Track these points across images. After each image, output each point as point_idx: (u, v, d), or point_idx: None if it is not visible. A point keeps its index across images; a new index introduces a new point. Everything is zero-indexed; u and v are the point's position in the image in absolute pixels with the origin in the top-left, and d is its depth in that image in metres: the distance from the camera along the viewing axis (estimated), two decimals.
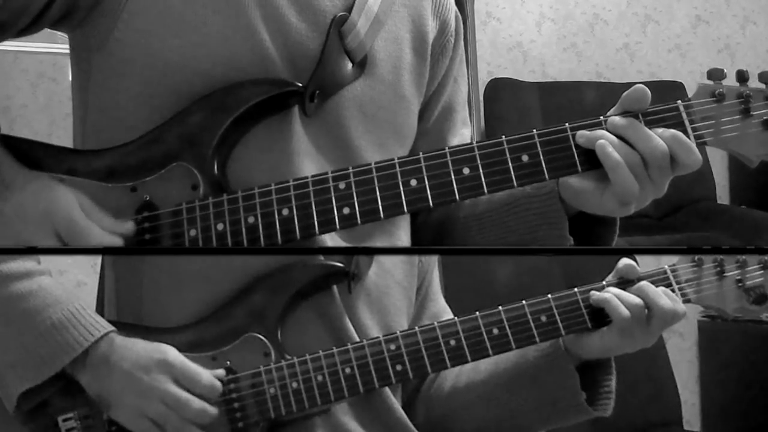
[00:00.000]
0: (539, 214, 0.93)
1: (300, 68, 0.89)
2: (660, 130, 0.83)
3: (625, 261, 0.96)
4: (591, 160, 0.83)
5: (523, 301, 0.94)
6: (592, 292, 0.94)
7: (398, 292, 1.01)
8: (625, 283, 0.95)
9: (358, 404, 0.95)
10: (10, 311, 0.86)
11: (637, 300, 0.92)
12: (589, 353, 0.96)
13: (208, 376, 0.87)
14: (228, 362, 0.89)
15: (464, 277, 2.06)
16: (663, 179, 0.84)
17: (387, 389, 0.97)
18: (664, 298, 0.92)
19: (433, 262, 1.11)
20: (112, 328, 0.87)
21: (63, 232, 0.81)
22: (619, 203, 0.84)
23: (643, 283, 0.93)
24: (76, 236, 0.81)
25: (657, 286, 0.93)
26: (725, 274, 0.96)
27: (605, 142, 0.83)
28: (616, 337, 0.93)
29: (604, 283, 0.96)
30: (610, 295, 0.93)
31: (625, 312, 0.91)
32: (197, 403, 0.85)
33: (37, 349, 0.85)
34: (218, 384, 0.87)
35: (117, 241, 0.82)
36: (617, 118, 0.84)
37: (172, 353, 0.86)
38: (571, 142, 0.83)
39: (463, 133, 1.10)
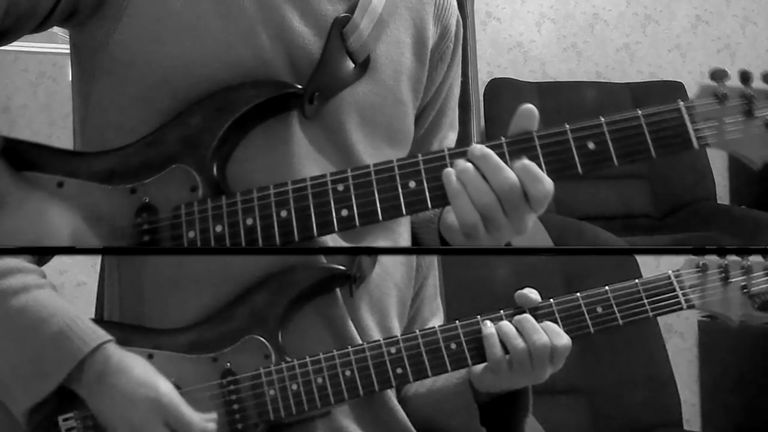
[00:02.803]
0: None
1: (302, 72, 0.89)
2: (516, 161, 0.81)
3: (521, 291, 0.94)
4: (592, 162, 0.83)
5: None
6: (486, 323, 0.92)
7: (396, 294, 1.01)
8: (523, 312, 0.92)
9: (358, 407, 0.95)
10: (8, 327, 0.86)
11: (517, 340, 0.90)
12: (482, 389, 0.95)
13: (200, 425, 0.85)
14: (228, 364, 0.89)
15: (464, 277, 2.06)
16: (518, 214, 0.82)
17: (388, 392, 0.97)
18: (540, 333, 0.90)
19: (432, 268, 1.11)
20: (105, 339, 0.85)
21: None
22: (465, 237, 0.83)
23: (523, 317, 0.91)
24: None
25: (540, 321, 0.91)
26: (730, 280, 0.95)
27: (450, 170, 0.82)
28: (490, 375, 0.92)
29: (501, 313, 0.93)
30: (492, 332, 0.91)
31: (497, 354, 0.90)
32: None
33: (36, 365, 0.84)
34: (210, 430, 0.86)
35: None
36: (476, 147, 0.82)
37: (163, 389, 0.84)
38: (571, 144, 0.83)
39: (449, 136, 1.10)
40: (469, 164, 0.82)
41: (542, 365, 0.91)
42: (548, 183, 0.82)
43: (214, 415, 0.87)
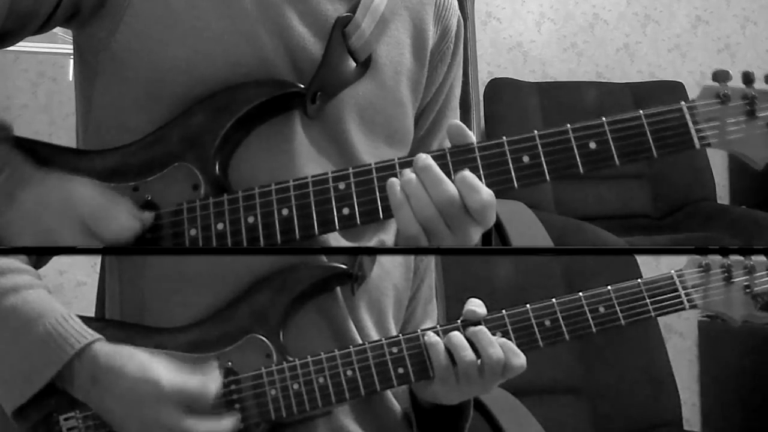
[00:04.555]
0: None
1: (303, 71, 0.89)
2: (458, 173, 0.81)
3: (469, 305, 0.93)
4: (592, 161, 0.83)
5: (527, 305, 0.94)
6: (428, 333, 0.91)
7: (393, 294, 1.01)
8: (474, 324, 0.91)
9: (359, 406, 0.95)
10: None
11: (466, 351, 0.89)
12: (425, 397, 0.95)
13: (213, 387, 0.85)
14: (229, 363, 0.89)
15: (464, 277, 2.06)
16: (460, 227, 0.81)
17: (389, 392, 0.97)
18: (495, 347, 0.89)
19: (430, 271, 1.10)
20: (91, 339, 0.84)
21: (88, 217, 0.81)
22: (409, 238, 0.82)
23: (478, 329, 0.90)
24: (101, 220, 0.81)
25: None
26: (733, 280, 0.95)
27: (395, 181, 0.81)
28: (438, 385, 0.91)
29: (458, 322, 0.92)
30: (436, 340, 0.90)
31: (443, 362, 0.89)
32: (205, 426, 0.84)
33: (22, 367, 0.84)
34: (218, 385, 0.86)
35: (137, 228, 0.82)
36: (420, 157, 0.82)
37: (163, 378, 0.83)
38: (573, 143, 0.83)
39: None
40: (413, 175, 0.81)
41: (493, 379, 0.90)
42: (486, 193, 0.80)
43: (214, 369, 0.87)
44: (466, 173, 0.81)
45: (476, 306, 0.92)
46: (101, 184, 0.84)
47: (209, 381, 0.85)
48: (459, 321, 0.92)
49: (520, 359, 0.90)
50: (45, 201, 0.80)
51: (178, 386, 0.83)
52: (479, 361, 0.89)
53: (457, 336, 0.90)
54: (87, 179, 0.83)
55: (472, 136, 0.83)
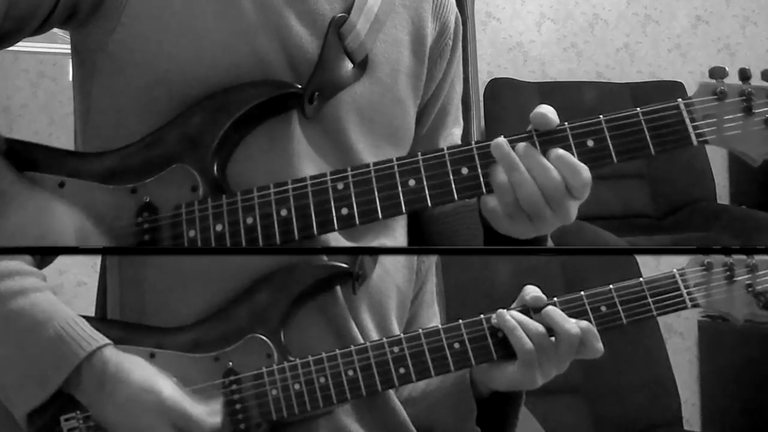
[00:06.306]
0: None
1: (300, 72, 0.89)
2: (551, 152, 0.82)
3: (530, 291, 0.93)
4: (591, 160, 0.83)
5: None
6: (498, 312, 0.91)
7: (397, 295, 1.01)
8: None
9: (360, 406, 0.95)
10: (4, 331, 0.85)
11: (540, 329, 0.89)
12: (497, 386, 0.94)
13: (208, 420, 0.85)
14: (230, 363, 0.89)
15: (464, 277, 2.06)
16: (563, 204, 0.83)
17: (390, 391, 0.97)
18: (570, 322, 0.89)
19: (431, 274, 1.10)
20: (102, 343, 0.85)
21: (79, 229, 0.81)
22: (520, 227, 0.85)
23: (549, 308, 0.90)
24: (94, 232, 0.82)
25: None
26: (735, 279, 0.94)
27: (499, 167, 0.82)
28: (522, 371, 0.90)
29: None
30: (514, 324, 0.90)
31: (528, 344, 0.89)
32: None
33: (33, 370, 0.84)
34: (217, 424, 0.86)
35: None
36: (521, 145, 0.83)
37: (166, 392, 0.84)
38: (571, 141, 0.83)
39: (454, 132, 1.10)
40: (519, 163, 0.82)
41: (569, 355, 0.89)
42: (586, 171, 0.82)
43: (217, 406, 0.87)
44: (562, 152, 0.82)
45: (536, 291, 0.93)
46: (91, 185, 0.84)
47: (211, 413, 0.86)
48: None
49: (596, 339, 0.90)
50: (21, 232, 0.80)
51: (178, 405, 0.84)
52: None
53: (522, 317, 0.90)
54: (65, 207, 0.83)
55: (555, 119, 0.84)
